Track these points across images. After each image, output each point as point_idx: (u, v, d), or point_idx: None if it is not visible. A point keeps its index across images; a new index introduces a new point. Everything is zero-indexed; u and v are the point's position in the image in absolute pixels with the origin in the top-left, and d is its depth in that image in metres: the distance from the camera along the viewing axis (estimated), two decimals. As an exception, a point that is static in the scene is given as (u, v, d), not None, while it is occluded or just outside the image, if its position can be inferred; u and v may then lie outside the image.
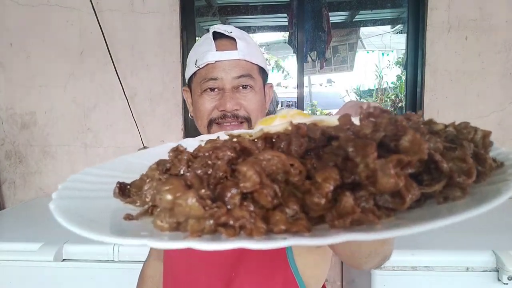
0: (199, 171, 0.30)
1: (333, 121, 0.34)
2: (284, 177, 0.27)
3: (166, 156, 0.37)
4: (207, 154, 0.31)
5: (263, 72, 0.88)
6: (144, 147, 1.95)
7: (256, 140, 0.34)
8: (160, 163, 0.34)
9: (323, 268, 0.81)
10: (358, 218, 0.25)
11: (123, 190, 0.35)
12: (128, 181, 0.36)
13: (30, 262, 1.31)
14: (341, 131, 0.30)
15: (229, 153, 0.31)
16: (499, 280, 1.18)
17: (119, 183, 0.35)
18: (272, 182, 0.27)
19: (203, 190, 0.27)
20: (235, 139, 0.35)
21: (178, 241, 0.23)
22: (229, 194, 0.26)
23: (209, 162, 0.31)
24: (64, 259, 1.32)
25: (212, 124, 0.83)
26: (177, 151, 0.34)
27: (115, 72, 1.92)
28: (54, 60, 2.04)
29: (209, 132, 0.85)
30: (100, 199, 0.34)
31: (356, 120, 0.32)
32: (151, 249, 1.02)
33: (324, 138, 0.31)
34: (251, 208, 0.26)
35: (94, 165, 0.41)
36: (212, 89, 0.82)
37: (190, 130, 2.06)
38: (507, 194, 0.24)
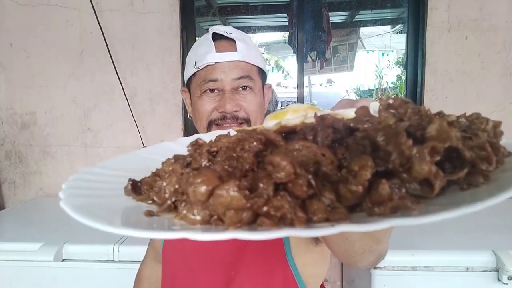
0: (225, 164, 0.30)
1: (349, 113, 0.34)
2: (314, 168, 0.27)
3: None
4: (231, 146, 0.31)
5: (262, 73, 0.88)
6: (144, 147, 1.95)
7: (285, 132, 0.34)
8: (178, 158, 0.34)
9: (322, 267, 0.82)
10: (396, 204, 0.25)
11: (135, 187, 0.34)
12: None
13: (30, 262, 1.31)
14: (360, 123, 0.31)
15: (255, 144, 0.30)
16: (499, 280, 1.18)
17: (131, 180, 0.34)
18: (306, 173, 0.27)
19: (242, 181, 0.26)
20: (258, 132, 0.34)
21: (220, 232, 0.23)
22: (261, 185, 0.26)
23: (234, 154, 0.30)
24: (64, 259, 1.32)
25: (211, 125, 0.83)
26: (196, 145, 0.34)
27: (115, 72, 1.92)
28: (54, 60, 2.04)
29: None
30: (106, 198, 0.33)
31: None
32: (148, 250, 1.02)
33: (347, 130, 0.31)
34: (289, 198, 0.25)
35: (93, 165, 0.40)
36: (211, 90, 0.82)
37: (190, 130, 2.06)
38: None
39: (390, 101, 0.32)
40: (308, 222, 0.25)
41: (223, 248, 0.79)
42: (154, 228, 0.26)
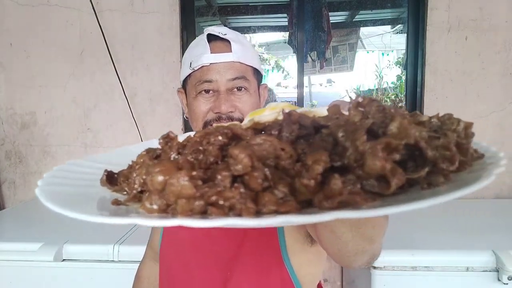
0: (190, 157, 0.31)
1: (322, 112, 0.35)
2: (274, 162, 0.28)
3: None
4: (198, 140, 0.32)
5: (257, 74, 0.89)
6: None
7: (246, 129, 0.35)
8: (150, 150, 0.35)
9: (317, 267, 0.82)
10: (345, 199, 0.25)
11: (111, 178, 0.35)
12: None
13: (30, 262, 1.31)
14: (330, 120, 0.31)
15: (220, 138, 0.31)
16: (499, 280, 1.18)
17: (106, 171, 0.36)
18: (262, 166, 0.28)
19: (194, 172, 0.27)
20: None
21: (168, 219, 0.24)
22: (219, 177, 0.27)
23: (200, 148, 0.31)
24: (64, 259, 1.32)
25: (207, 126, 0.83)
26: (167, 138, 0.35)
27: (115, 72, 1.92)
28: (54, 60, 2.04)
29: None
30: (86, 187, 0.34)
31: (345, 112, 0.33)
32: (146, 250, 1.02)
33: (315, 127, 0.32)
34: (242, 189, 0.26)
35: (85, 157, 0.42)
36: (207, 91, 0.83)
37: (190, 130, 2.05)
38: (487, 180, 0.25)
39: (360, 100, 0.32)
40: (258, 214, 0.25)
41: (219, 247, 0.80)
42: (104, 214, 0.26)
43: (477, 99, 1.93)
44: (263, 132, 0.34)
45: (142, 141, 1.96)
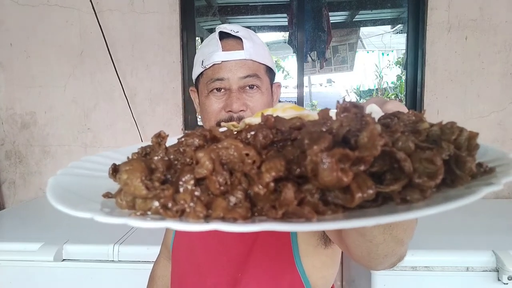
0: (171, 157, 0.32)
1: (315, 116, 0.35)
2: (241, 167, 0.28)
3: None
4: (180, 140, 0.33)
5: (270, 72, 0.87)
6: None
7: (238, 131, 0.35)
8: (144, 148, 0.36)
9: (331, 269, 0.80)
10: (292, 210, 0.25)
11: (117, 171, 0.36)
12: None
13: (30, 262, 1.31)
14: (317, 126, 0.30)
15: (197, 140, 0.32)
16: (499, 280, 1.18)
17: (114, 164, 0.36)
18: (227, 170, 0.28)
19: (157, 174, 0.28)
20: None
21: (117, 217, 0.24)
22: (183, 179, 0.27)
23: (181, 149, 0.32)
24: (64, 259, 1.32)
25: (219, 125, 0.83)
26: (159, 137, 0.35)
27: (115, 72, 1.92)
28: (54, 60, 2.04)
29: None
30: (97, 179, 0.36)
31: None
32: (161, 248, 1.02)
33: (293, 131, 0.31)
34: (197, 193, 0.27)
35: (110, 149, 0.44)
36: (218, 90, 0.82)
37: (190, 130, 2.05)
38: (469, 199, 0.23)
39: (347, 105, 0.31)
40: (207, 218, 0.26)
41: (230, 249, 0.79)
42: (78, 207, 0.27)
43: (477, 99, 1.93)
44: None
45: (142, 141, 1.96)
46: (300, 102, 2.26)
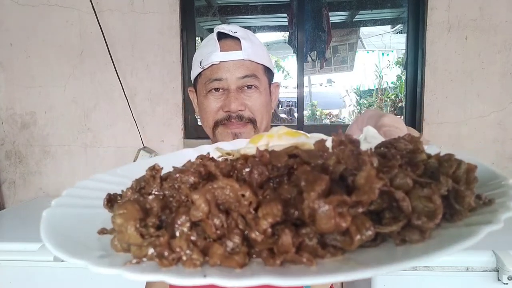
0: (166, 192, 0.31)
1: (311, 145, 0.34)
2: (236, 207, 0.27)
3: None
4: (175, 176, 0.32)
5: (268, 72, 0.87)
6: (144, 147, 1.95)
7: (233, 161, 0.35)
8: (138, 181, 0.35)
9: None
10: (291, 258, 0.24)
11: (112, 202, 0.35)
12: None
13: (30, 262, 1.31)
14: (313, 158, 0.30)
15: (192, 178, 0.31)
16: (499, 280, 1.18)
17: (109, 194, 0.36)
18: (224, 212, 0.27)
19: (151, 218, 0.28)
20: (202, 162, 0.35)
21: (111, 268, 0.25)
22: (179, 221, 0.27)
23: (176, 185, 0.31)
24: (64, 259, 1.32)
25: (218, 125, 0.83)
26: (153, 170, 0.35)
27: (115, 72, 1.92)
28: (54, 60, 2.04)
29: (214, 133, 0.85)
30: (98, 208, 0.35)
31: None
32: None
33: (289, 168, 0.30)
34: (194, 237, 0.26)
35: (107, 171, 0.42)
36: (216, 90, 0.82)
37: (190, 130, 2.06)
38: (469, 242, 0.22)
39: (342, 138, 0.30)
40: (204, 265, 0.25)
41: None
42: (72, 252, 0.27)
43: (477, 99, 1.93)
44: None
45: (142, 141, 1.96)
46: (300, 102, 2.26)
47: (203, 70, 0.83)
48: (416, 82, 2.03)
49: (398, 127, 0.41)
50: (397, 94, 4.96)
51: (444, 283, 1.22)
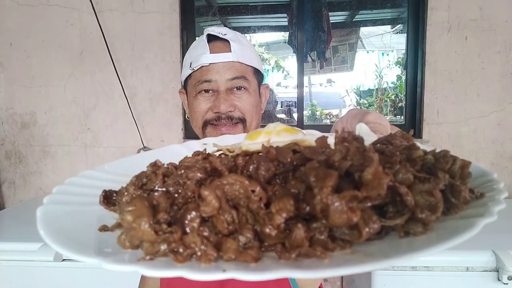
0: (171, 189, 0.31)
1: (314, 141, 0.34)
2: (246, 202, 0.28)
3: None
4: (180, 172, 0.32)
5: (258, 73, 0.89)
6: (144, 147, 1.95)
7: (234, 157, 0.35)
8: (139, 177, 0.35)
9: None
10: (305, 252, 0.25)
11: (108, 198, 0.35)
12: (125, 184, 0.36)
13: (30, 262, 1.31)
14: (315, 154, 0.30)
15: (198, 174, 0.31)
16: (499, 280, 1.18)
17: (104, 191, 0.35)
18: (233, 208, 0.27)
19: (162, 214, 0.27)
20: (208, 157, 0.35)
21: (126, 264, 0.24)
22: (189, 217, 0.27)
23: (181, 181, 0.31)
24: (64, 259, 1.32)
25: (207, 125, 0.84)
26: (155, 166, 0.35)
27: (115, 72, 1.92)
28: (54, 60, 2.04)
29: (203, 133, 0.86)
30: (91, 205, 0.34)
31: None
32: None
33: (294, 163, 0.31)
34: (206, 233, 0.26)
35: (95, 167, 0.41)
36: (206, 91, 0.83)
37: (190, 130, 2.06)
38: (468, 234, 0.23)
39: (345, 135, 0.31)
40: (218, 260, 0.25)
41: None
42: (75, 247, 0.26)
43: (477, 99, 1.93)
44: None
45: (142, 141, 1.96)
46: (300, 102, 2.26)
47: (193, 72, 0.84)
48: (416, 82, 2.03)
49: (382, 123, 0.42)
50: (397, 94, 4.96)
51: (444, 283, 1.22)
